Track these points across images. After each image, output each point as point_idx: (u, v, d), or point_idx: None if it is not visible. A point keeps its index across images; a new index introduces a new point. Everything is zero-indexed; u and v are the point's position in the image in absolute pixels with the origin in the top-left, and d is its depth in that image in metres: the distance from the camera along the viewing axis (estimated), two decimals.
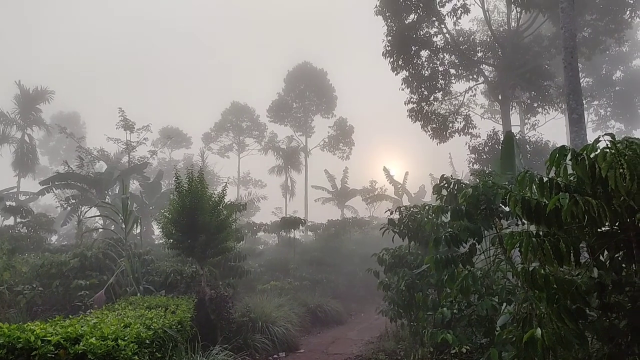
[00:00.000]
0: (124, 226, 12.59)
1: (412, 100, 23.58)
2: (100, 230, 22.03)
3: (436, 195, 7.27)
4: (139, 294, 10.22)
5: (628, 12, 21.53)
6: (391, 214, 10.73)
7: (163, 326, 6.28)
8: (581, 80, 19.68)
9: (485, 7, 23.47)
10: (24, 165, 34.67)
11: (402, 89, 23.48)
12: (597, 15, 21.87)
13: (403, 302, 9.25)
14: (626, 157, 3.17)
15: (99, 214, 24.06)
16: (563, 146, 3.71)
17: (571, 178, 3.72)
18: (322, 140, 48.98)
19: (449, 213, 6.27)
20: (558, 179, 3.68)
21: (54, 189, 26.45)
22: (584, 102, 14.64)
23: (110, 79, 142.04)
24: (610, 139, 3.44)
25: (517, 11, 22.53)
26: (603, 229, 3.62)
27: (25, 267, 12.46)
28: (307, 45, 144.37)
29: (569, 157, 3.60)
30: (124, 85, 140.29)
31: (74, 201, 25.19)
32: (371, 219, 36.25)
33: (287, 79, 49.84)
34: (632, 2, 21.32)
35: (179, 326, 7.06)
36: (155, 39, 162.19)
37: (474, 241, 6.18)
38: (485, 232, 6.21)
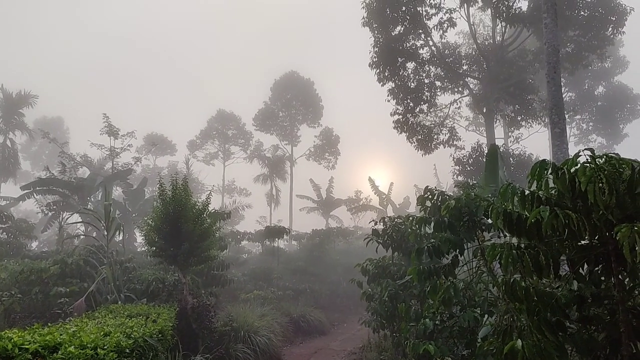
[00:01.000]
0: (106, 233, 12.45)
1: (397, 111, 23.79)
2: (82, 237, 21.78)
3: (420, 206, 7.30)
4: (119, 302, 10.10)
5: (610, 29, 22.00)
6: (375, 224, 10.75)
7: (144, 335, 6.20)
8: (564, 95, 19.95)
9: (471, 21, 23.83)
10: (5, 170, 34.13)
11: (388, 100, 23.73)
12: (580, 32, 22.29)
13: (386, 313, 9.25)
14: (605, 172, 3.22)
15: (81, 220, 23.79)
16: (544, 160, 3.75)
17: (552, 191, 3.76)
18: (308, 150, 49.19)
19: (432, 224, 6.30)
20: (539, 192, 3.72)
21: (35, 194, 26.05)
22: (567, 116, 14.87)
23: (96, 85, 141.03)
24: (590, 153, 3.50)
25: (502, 26, 22.88)
26: (583, 242, 3.66)
27: (3, 274, 12.22)
28: (294, 55, 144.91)
29: (549, 170, 3.64)
30: (110, 92, 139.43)
31: (55, 207, 24.87)
32: (355, 229, 36.36)
33: (273, 88, 49.95)
34: (614, 19, 21.78)
35: (160, 335, 6.98)
36: (144, 45, 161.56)
37: (456, 253, 6.21)
38: (468, 243, 6.25)
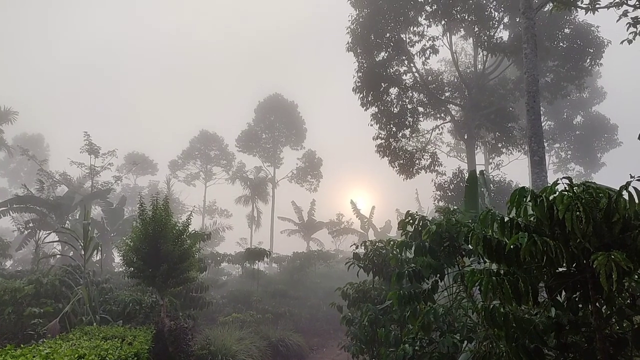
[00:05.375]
0: (83, 253, 12.25)
1: (380, 136, 24.01)
2: (58, 256, 21.40)
3: (401, 230, 7.32)
4: (95, 324, 9.91)
5: (588, 61, 22.63)
6: (357, 248, 10.73)
7: (119, 358, 6.08)
8: (543, 124, 20.37)
9: (453, 49, 24.34)
10: None
11: (371, 125, 23.95)
12: (559, 62, 22.89)
13: (366, 338, 9.17)
14: (583, 201, 3.28)
15: (58, 239, 23.40)
16: (523, 187, 3.81)
17: (531, 218, 3.81)
18: (291, 172, 49.27)
19: (413, 249, 6.31)
20: (518, 219, 3.76)
21: (11, 212, 25.58)
22: (546, 144, 15.09)
23: (78, 103, 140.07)
24: (568, 182, 3.56)
25: (483, 54, 23.40)
26: (560, 269, 3.70)
27: None
28: (278, 77, 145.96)
29: (528, 198, 3.69)
30: (92, 109, 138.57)
31: (32, 225, 24.43)
32: (337, 253, 36.31)
33: (257, 110, 50.12)
34: (592, 51, 22.41)
35: (136, 358, 6.84)
36: (128, 64, 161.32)
37: (437, 278, 6.22)
38: (448, 269, 6.26)
